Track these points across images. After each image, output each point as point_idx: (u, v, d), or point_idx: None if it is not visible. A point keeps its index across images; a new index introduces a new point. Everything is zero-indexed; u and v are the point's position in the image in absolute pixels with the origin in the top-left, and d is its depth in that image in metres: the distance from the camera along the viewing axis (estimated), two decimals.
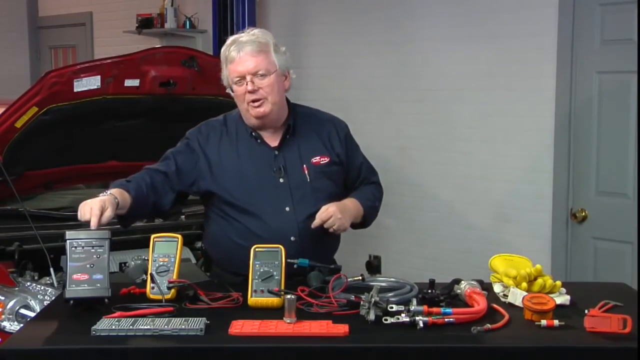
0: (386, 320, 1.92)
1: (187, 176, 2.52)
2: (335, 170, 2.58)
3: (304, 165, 2.51)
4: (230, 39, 2.50)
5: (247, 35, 2.48)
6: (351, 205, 2.54)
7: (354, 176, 2.67)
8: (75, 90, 3.12)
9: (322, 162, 2.54)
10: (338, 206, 2.45)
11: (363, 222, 2.63)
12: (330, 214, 2.41)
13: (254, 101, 2.45)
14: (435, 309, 1.95)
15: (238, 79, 2.45)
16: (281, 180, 2.49)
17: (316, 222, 2.41)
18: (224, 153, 2.53)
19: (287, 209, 2.47)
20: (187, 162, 2.53)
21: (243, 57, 2.43)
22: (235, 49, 2.45)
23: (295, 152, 2.53)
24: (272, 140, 2.54)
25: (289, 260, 2.21)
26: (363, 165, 2.70)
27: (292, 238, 2.44)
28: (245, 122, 2.54)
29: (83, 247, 2.10)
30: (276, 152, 2.52)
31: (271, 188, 2.48)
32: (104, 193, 2.28)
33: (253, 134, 2.54)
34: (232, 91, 2.50)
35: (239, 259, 2.37)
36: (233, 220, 2.49)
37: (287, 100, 2.60)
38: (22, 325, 2.52)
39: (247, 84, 2.43)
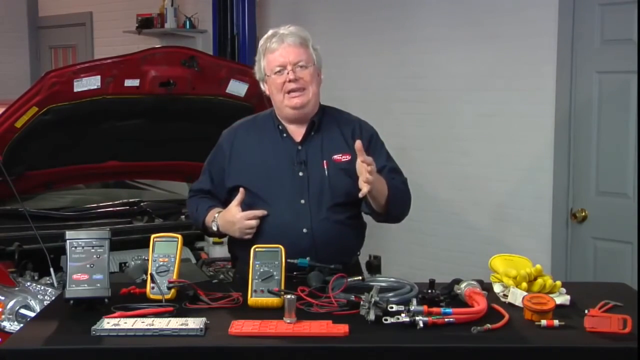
0: (386, 320, 1.92)
1: (222, 183, 2.60)
2: (355, 169, 2.49)
3: (325, 161, 2.53)
4: (270, 32, 2.57)
5: (288, 29, 2.54)
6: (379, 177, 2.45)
7: None
8: (75, 90, 3.11)
9: (343, 160, 2.54)
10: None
11: (388, 202, 2.50)
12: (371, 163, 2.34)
13: (293, 90, 2.49)
14: (435, 309, 1.95)
15: (279, 69, 2.50)
16: (300, 173, 2.52)
17: (358, 145, 2.32)
18: (249, 145, 2.58)
19: (303, 201, 2.49)
20: (219, 171, 2.60)
21: (285, 47, 2.50)
22: (277, 40, 2.51)
23: (317, 148, 2.56)
24: (297, 135, 2.58)
25: (289, 260, 2.22)
26: (385, 169, 2.59)
27: (304, 230, 2.46)
28: (275, 116, 2.59)
29: (83, 247, 2.10)
30: (299, 147, 2.55)
31: (289, 181, 2.51)
32: (214, 216, 2.53)
33: (279, 127, 2.58)
34: (267, 83, 2.55)
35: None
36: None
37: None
38: (22, 325, 2.52)
39: (288, 74, 2.48)
